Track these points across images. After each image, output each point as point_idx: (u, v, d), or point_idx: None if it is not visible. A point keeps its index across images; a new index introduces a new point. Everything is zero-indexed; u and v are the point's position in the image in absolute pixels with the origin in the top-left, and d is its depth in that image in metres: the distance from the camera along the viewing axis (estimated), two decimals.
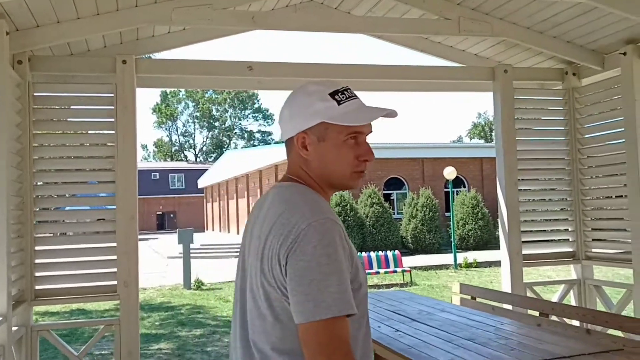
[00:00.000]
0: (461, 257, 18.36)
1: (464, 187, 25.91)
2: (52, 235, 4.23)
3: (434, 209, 22.61)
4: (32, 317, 4.05)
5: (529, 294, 5.00)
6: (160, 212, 58.47)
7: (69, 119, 4.23)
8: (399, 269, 14.77)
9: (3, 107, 3.37)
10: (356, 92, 1.65)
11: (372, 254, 15.15)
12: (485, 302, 4.25)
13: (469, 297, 4.41)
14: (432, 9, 4.59)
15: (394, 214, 23.24)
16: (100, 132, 4.23)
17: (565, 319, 4.15)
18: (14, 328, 3.66)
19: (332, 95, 1.52)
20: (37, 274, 4.00)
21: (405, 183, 25.66)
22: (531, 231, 5.23)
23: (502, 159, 5.11)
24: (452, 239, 22.33)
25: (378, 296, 4.29)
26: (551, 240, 5.31)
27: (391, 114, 1.57)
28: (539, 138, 5.41)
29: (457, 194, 25.38)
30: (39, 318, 10.51)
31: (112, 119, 4.17)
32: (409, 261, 17.68)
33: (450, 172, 18.25)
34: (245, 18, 4.09)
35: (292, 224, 1.38)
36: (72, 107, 4.18)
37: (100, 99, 4.24)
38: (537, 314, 3.87)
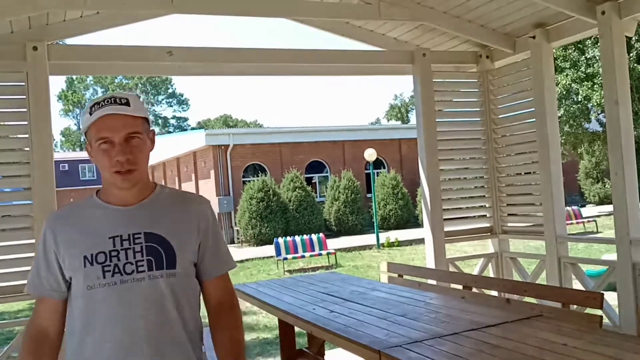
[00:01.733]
0: (383, 237, 18.84)
1: (384, 168, 26.52)
2: None
3: (355, 191, 23.00)
4: None
5: (451, 268, 5.22)
6: None
7: None
8: (324, 252, 14.96)
9: None
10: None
11: (297, 238, 15.26)
12: (412, 279, 4.40)
13: (396, 275, 4.55)
14: None
15: (316, 197, 23.46)
16: (11, 123, 3.98)
17: (485, 291, 4.38)
18: None
19: (92, 107, 1.77)
20: None
21: (326, 166, 25.92)
22: (451, 209, 5.45)
23: (422, 141, 5.28)
24: (374, 220, 22.85)
25: (309, 279, 4.34)
26: (470, 217, 5.57)
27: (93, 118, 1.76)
28: (457, 119, 5.62)
29: (377, 176, 25.95)
30: None
31: (24, 109, 3.93)
32: (333, 243, 17.94)
33: (370, 154, 18.62)
34: (164, 1, 3.96)
35: None
36: None
37: (9, 88, 3.99)
38: (461, 287, 4.05)
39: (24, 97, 3.94)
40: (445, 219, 5.28)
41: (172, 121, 76.79)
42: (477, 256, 5.76)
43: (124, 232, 1.76)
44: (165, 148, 28.39)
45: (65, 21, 4.33)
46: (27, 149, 3.93)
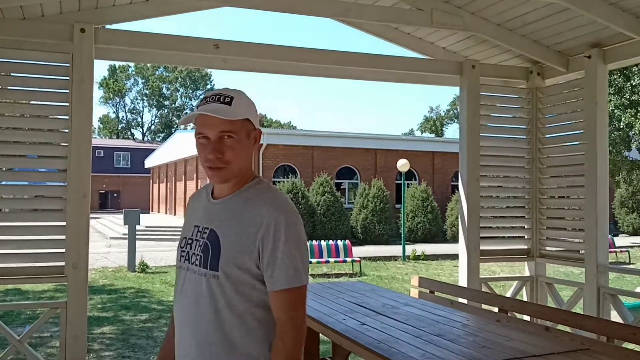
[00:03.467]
0: (409, 249, 18.59)
1: (415, 180, 26.24)
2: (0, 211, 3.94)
3: (385, 200, 22.79)
4: None
5: (484, 288, 5.04)
6: (104, 191, 56.81)
7: (19, 88, 3.92)
8: (348, 259, 14.80)
9: None
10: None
11: (323, 243, 15.13)
12: (444, 296, 4.24)
13: (427, 291, 4.40)
14: None
15: (344, 203, 23.33)
16: (53, 103, 3.95)
17: (518, 315, 4.19)
18: None
19: (200, 102, 1.84)
20: None
21: (357, 173, 25.77)
22: (489, 227, 5.27)
23: (465, 154, 5.11)
24: (401, 231, 22.59)
25: (337, 286, 4.21)
26: (507, 237, 5.37)
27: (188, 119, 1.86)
28: (502, 135, 5.44)
29: (408, 187, 25.70)
30: None
31: (67, 91, 3.91)
32: (358, 251, 17.77)
33: (403, 165, 18.40)
34: None
35: None
36: (22, 74, 3.88)
37: (54, 68, 3.97)
38: (495, 309, 3.88)
39: (68, 78, 3.92)
40: (481, 237, 5.10)
41: None
42: (511, 278, 5.55)
43: (201, 224, 1.87)
44: None
45: (115, 6, 4.30)
46: (66, 130, 3.90)
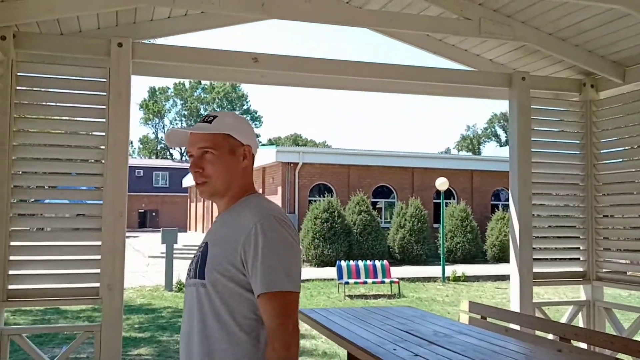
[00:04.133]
0: (449, 270, 18.11)
1: (454, 199, 25.72)
2: (29, 230, 3.84)
3: (422, 220, 22.36)
4: (3, 319, 3.67)
5: (537, 314, 4.71)
6: (143, 210, 57.67)
7: (55, 104, 3.85)
8: (387, 280, 14.46)
9: None
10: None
11: (360, 263, 14.84)
12: (497, 322, 3.94)
13: (478, 317, 4.11)
14: (452, 7, 4.31)
15: (381, 222, 22.98)
16: (90, 119, 3.86)
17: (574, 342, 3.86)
18: None
19: None
20: (10, 272, 3.62)
21: (394, 192, 25.42)
22: (542, 248, 4.95)
23: (516, 171, 4.84)
24: (440, 251, 22.03)
25: (383, 311, 3.97)
26: (562, 258, 5.04)
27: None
28: (554, 151, 5.13)
29: (446, 206, 25.19)
30: (8, 316, 10.03)
31: (104, 106, 3.81)
32: (395, 272, 17.38)
33: (442, 183, 18.00)
34: (254, 5, 3.77)
35: None
36: (59, 90, 3.81)
37: (91, 83, 3.88)
38: (550, 336, 3.57)
39: (105, 93, 3.83)
40: (534, 259, 4.79)
41: None
42: (566, 303, 5.19)
43: (202, 241, 1.92)
44: None
45: (153, 21, 4.23)
46: (103, 147, 3.80)
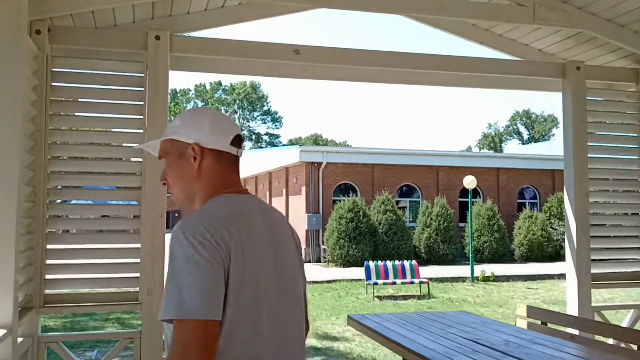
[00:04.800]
0: (477, 269, 17.75)
1: (479, 197, 25.28)
2: (66, 232, 3.68)
3: (448, 219, 21.99)
4: (39, 325, 3.51)
5: (597, 318, 4.43)
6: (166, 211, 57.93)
7: (91, 100, 3.67)
8: (416, 280, 14.17)
9: (17, 81, 2.84)
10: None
11: (389, 263, 14.57)
12: (558, 328, 3.68)
13: (538, 322, 3.84)
14: None
15: (406, 222, 22.66)
16: (127, 116, 3.68)
17: None
18: (19, 339, 3.13)
19: None
20: (47, 277, 3.46)
21: (418, 191, 25.06)
22: (600, 249, 4.66)
23: (571, 166, 4.55)
24: (468, 251, 21.63)
25: (439, 317, 3.72)
26: (622, 259, 4.74)
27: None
28: (612, 145, 4.84)
29: (472, 205, 24.77)
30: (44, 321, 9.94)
31: (141, 103, 3.63)
32: (422, 272, 17.05)
33: (470, 182, 17.63)
34: None
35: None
36: (95, 86, 3.63)
37: (128, 79, 3.70)
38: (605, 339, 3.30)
39: (142, 89, 3.65)
40: (592, 260, 4.51)
41: (265, 137, 78.46)
42: (627, 306, 4.89)
43: None
44: (258, 162, 28.68)
45: (189, 13, 4.04)
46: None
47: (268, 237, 1.58)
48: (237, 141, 1.67)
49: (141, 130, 3.63)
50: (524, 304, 4.11)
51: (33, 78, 3.29)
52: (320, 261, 22.42)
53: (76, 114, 3.71)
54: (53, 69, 3.53)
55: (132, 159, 3.71)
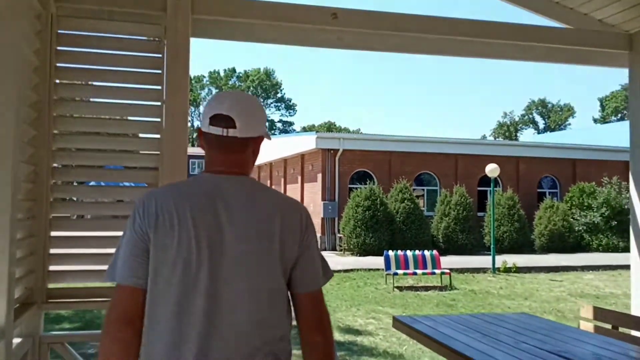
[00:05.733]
0: (498, 260, 17.24)
1: (499, 186, 24.67)
2: (81, 218, 3.25)
3: (468, 208, 21.45)
4: (42, 324, 3.09)
5: None
6: None
7: (102, 67, 3.20)
8: (437, 271, 13.70)
9: (16, 42, 2.39)
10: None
11: (409, 253, 14.11)
12: (628, 332, 3.21)
13: (608, 326, 3.38)
14: None
15: (424, 211, 22.13)
16: (143, 86, 3.23)
17: None
18: (17, 340, 2.71)
19: None
20: (51, 268, 3.04)
21: (436, 179, 24.50)
22: None
23: (638, 150, 4.05)
24: (487, 241, 21.13)
25: (502, 322, 3.22)
26: None
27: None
28: None
29: (491, 194, 24.19)
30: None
31: (159, 71, 3.18)
32: (442, 262, 16.59)
33: (492, 170, 17.04)
34: None
35: (298, 210, 1.69)
36: (107, 51, 3.18)
37: (144, 44, 3.26)
38: None
39: (160, 55, 3.20)
40: None
41: (279, 124, 78.08)
42: None
43: None
44: (273, 149, 28.22)
45: None
46: (158, 119, 3.17)
47: (227, 219, 1.57)
48: (221, 120, 1.65)
49: (159, 103, 3.18)
50: (590, 305, 3.62)
51: (35, 40, 2.85)
52: (335, 250, 21.99)
53: (85, 83, 3.27)
54: (59, 31, 3.08)
55: (149, 136, 3.27)
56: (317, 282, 1.67)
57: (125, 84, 3.20)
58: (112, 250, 3.05)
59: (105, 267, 3.11)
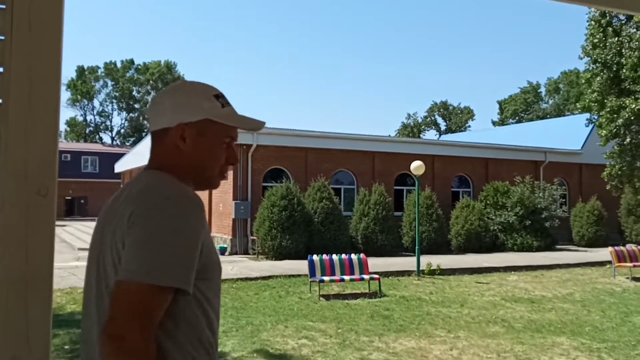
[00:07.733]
0: (422, 262, 16.46)
1: (413, 185, 24.15)
2: None
3: (387, 208, 20.64)
4: None
5: None
6: (70, 197, 53.50)
7: None
8: (365, 276, 12.57)
9: None
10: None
11: (335, 257, 12.86)
12: None
13: None
14: None
15: (342, 210, 21.06)
16: None
17: None
18: None
19: (216, 97, 1.62)
20: None
21: (353, 177, 23.55)
22: None
23: None
24: (405, 241, 20.42)
25: None
26: None
27: (260, 125, 1.68)
28: None
29: (408, 193, 23.61)
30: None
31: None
32: None
33: (417, 167, 16.16)
34: None
35: (142, 197, 1.44)
36: None
37: None
38: None
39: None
40: None
41: None
42: None
43: None
44: None
45: None
46: None
47: (101, 220, 1.54)
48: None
49: None
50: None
51: None
52: (248, 253, 20.41)
53: None
54: None
55: None
56: None
57: None
58: None
59: None
